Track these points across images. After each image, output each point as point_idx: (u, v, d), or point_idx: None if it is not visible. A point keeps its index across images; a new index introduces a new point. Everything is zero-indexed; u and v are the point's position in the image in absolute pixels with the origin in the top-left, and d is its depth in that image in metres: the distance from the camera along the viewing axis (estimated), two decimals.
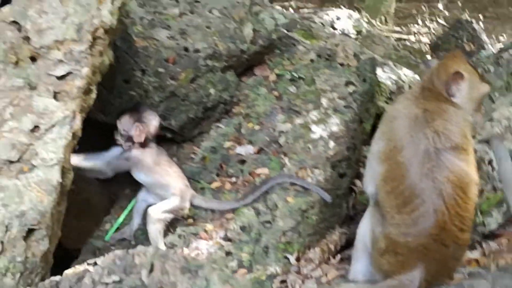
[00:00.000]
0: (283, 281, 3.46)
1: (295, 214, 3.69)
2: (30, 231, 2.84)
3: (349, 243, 3.73)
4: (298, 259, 3.62)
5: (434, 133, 3.00)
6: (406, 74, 5.60)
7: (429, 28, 10.55)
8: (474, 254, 3.49)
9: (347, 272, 3.45)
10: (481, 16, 10.58)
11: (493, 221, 3.63)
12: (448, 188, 2.93)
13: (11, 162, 2.90)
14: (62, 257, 3.28)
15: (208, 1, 4.32)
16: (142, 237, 3.77)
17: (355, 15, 8.70)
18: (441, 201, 2.93)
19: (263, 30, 4.42)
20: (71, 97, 3.08)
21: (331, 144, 3.97)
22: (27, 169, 2.92)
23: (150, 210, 3.62)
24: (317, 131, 4.04)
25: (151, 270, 2.47)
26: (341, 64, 4.44)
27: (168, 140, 4.11)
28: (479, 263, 3.43)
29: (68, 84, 3.08)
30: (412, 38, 10.13)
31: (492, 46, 8.48)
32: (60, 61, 3.08)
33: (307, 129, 4.06)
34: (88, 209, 4.18)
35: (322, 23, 7.73)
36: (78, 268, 2.58)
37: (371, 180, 3.21)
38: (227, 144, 4.07)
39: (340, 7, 9.46)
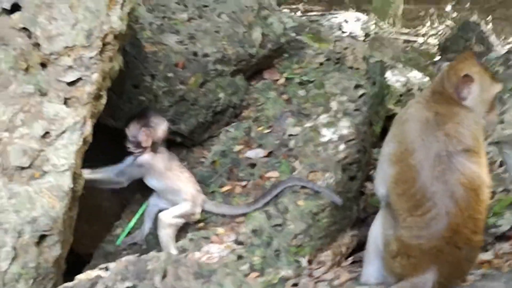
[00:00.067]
0: (295, 284, 3.45)
1: (306, 217, 3.68)
2: (42, 237, 2.85)
3: (360, 246, 3.72)
4: (309, 262, 3.61)
5: (445, 136, 2.98)
6: (415, 76, 5.59)
7: (437, 29, 10.51)
8: (487, 256, 3.48)
9: (359, 275, 3.43)
10: (489, 18, 10.53)
11: (505, 222, 3.62)
12: (460, 191, 2.91)
13: (23, 168, 2.91)
14: (74, 262, 3.28)
15: (216, 5, 4.34)
16: (153, 241, 3.78)
17: (363, 17, 8.70)
18: (454, 204, 2.91)
19: (271, 34, 4.42)
20: (81, 103, 3.09)
21: (341, 147, 3.96)
22: (38, 175, 2.92)
23: (161, 215, 3.63)
24: (327, 134, 4.02)
25: (164, 276, 2.46)
26: (350, 67, 4.43)
27: (178, 144, 4.11)
28: (491, 265, 3.42)
29: (78, 90, 3.09)
30: (420, 40, 10.09)
31: (501, 48, 8.44)
32: (70, 67, 3.09)
33: (316, 133, 4.05)
34: (99, 214, 4.20)
35: (330, 26, 7.74)
36: (90, 274, 2.57)
37: (382, 182, 3.20)
38: (237, 148, 4.08)
39: (348, 10, 9.46)
